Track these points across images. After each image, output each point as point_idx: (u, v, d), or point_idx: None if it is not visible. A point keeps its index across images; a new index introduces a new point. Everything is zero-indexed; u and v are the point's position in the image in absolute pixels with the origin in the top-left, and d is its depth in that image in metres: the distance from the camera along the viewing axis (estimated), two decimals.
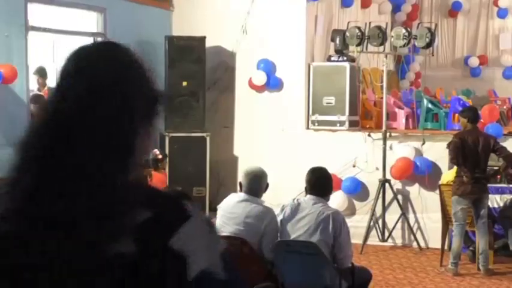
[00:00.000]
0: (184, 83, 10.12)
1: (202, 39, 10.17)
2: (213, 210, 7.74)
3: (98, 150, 1.39)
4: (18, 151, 1.55)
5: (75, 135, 1.39)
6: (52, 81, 10.32)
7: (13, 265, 1.36)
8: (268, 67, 10.23)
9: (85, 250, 1.33)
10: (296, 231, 5.33)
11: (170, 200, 1.44)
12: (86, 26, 9.87)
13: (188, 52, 10.13)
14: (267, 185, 5.69)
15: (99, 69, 1.48)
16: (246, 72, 10.43)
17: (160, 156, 8.53)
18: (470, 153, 7.54)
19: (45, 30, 9.10)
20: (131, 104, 1.49)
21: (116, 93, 1.46)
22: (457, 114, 9.99)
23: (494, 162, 8.11)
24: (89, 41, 9.96)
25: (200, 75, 10.21)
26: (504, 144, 7.99)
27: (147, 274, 1.35)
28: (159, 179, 8.41)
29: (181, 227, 1.38)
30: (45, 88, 9.99)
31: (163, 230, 1.37)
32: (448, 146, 7.94)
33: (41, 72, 9.88)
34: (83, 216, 1.34)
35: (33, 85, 9.72)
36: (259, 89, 10.34)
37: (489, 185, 7.85)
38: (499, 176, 8.36)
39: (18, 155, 1.54)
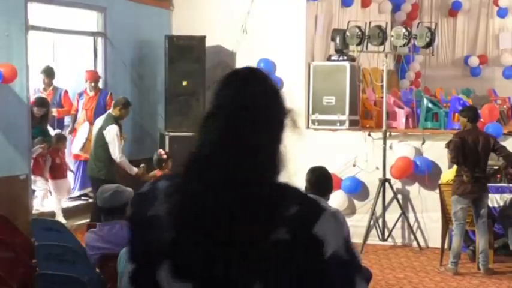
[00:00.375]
0: (184, 83, 10.12)
1: (202, 38, 10.17)
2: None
3: (262, 161, 1.80)
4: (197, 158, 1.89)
5: (240, 148, 1.79)
6: (57, 81, 10.33)
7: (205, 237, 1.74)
8: (268, 66, 10.23)
9: (256, 235, 1.71)
10: None
11: (308, 198, 1.84)
12: (86, 25, 9.87)
13: (188, 51, 10.14)
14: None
15: (255, 93, 1.85)
16: None
17: (165, 156, 8.51)
18: (470, 152, 7.54)
19: (45, 29, 9.10)
20: (278, 124, 1.88)
21: (274, 116, 1.87)
22: (457, 114, 10.00)
23: (494, 161, 8.12)
24: (89, 40, 9.98)
25: (200, 74, 10.21)
26: (504, 143, 7.99)
27: (297, 256, 1.73)
28: None
29: (319, 219, 1.76)
30: (50, 88, 9.92)
31: (307, 221, 1.76)
32: (447, 145, 7.94)
33: (48, 72, 9.82)
34: (257, 202, 1.74)
35: (38, 84, 9.69)
36: None
37: (489, 184, 7.86)
38: (499, 176, 8.37)
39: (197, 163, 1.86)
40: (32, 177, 8.83)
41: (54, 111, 9.88)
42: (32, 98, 9.27)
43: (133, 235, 1.89)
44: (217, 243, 1.72)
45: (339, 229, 1.83)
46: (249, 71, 1.95)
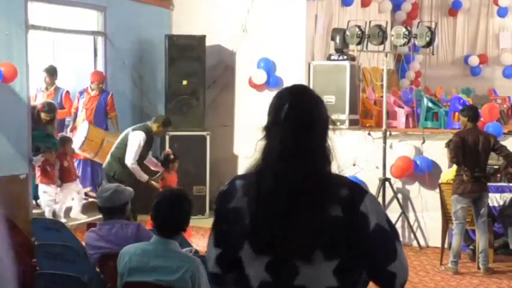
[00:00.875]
0: (184, 82, 10.12)
1: (202, 38, 10.18)
2: (213, 209, 7.77)
3: (316, 157, 2.29)
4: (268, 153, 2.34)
5: (301, 148, 2.27)
6: (57, 81, 10.32)
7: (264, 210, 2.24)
8: (268, 66, 10.24)
9: (316, 214, 2.21)
10: None
11: (355, 183, 2.36)
12: (86, 24, 9.87)
13: (188, 51, 10.14)
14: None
15: (307, 103, 2.38)
16: (246, 71, 10.43)
17: (172, 157, 8.46)
18: (470, 152, 7.54)
19: (45, 28, 9.10)
20: (325, 126, 2.39)
21: (321, 121, 2.38)
22: (457, 113, 10.00)
23: (494, 161, 8.12)
24: (89, 39, 9.98)
25: (200, 74, 10.21)
26: (504, 143, 7.99)
27: (349, 229, 2.23)
28: (170, 180, 8.38)
29: (364, 199, 2.26)
30: (52, 88, 9.88)
31: (355, 201, 2.25)
32: (447, 145, 7.94)
33: (51, 71, 9.79)
34: (317, 189, 2.23)
35: (39, 84, 9.68)
36: (259, 87, 10.34)
37: (489, 183, 7.86)
38: (498, 175, 8.37)
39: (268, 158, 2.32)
40: (41, 186, 8.75)
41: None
42: (38, 101, 9.27)
43: (217, 225, 2.37)
44: (287, 224, 2.20)
45: (379, 207, 2.36)
46: (300, 87, 2.50)
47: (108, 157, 8.39)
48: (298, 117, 2.30)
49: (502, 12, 15.42)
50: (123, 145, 8.18)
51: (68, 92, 9.93)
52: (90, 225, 5.80)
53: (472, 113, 7.81)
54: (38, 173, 8.75)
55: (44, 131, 9.04)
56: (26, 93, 8.52)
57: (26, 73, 8.45)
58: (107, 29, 9.89)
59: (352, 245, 2.23)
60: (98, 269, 4.90)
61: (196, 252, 5.10)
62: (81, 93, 9.71)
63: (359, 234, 2.24)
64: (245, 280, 2.30)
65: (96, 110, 9.53)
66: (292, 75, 10.19)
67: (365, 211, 2.25)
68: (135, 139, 8.12)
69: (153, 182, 8.33)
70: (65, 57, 10.44)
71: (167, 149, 8.87)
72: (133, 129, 8.24)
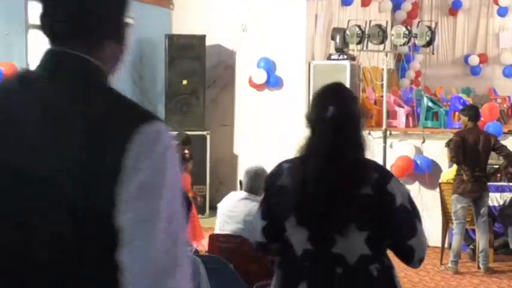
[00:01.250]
0: (184, 82, 10.12)
1: (202, 37, 10.18)
2: (213, 208, 7.75)
3: (354, 146, 2.78)
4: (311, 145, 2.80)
5: (341, 139, 2.74)
6: None
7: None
8: (268, 65, 10.23)
9: (351, 192, 2.67)
10: None
11: (383, 167, 3.00)
12: None
13: (188, 50, 10.14)
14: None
15: (346, 102, 2.84)
16: (246, 70, 10.43)
17: (188, 156, 8.29)
18: (470, 151, 7.54)
19: None
20: (360, 119, 2.85)
21: (357, 115, 2.84)
22: (457, 113, 9.99)
23: (495, 160, 8.12)
24: None
25: (200, 73, 10.21)
26: (504, 142, 7.99)
27: (378, 206, 2.67)
28: (185, 181, 8.23)
29: (391, 181, 2.72)
30: None
31: (383, 182, 2.70)
32: (447, 144, 7.94)
33: None
34: (353, 173, 2.70)
35: None
36: (259, 87, 10.34)
37: (489, 183, 7.86)
38: (498, 175, 8.37)
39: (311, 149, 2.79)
40: None
41: None
42: None
43: (266, 200, 2.73)
44: (327, 201, 2.65)
45: (403, 188, 2.83)
46: (340, 87, 3.02)
47: None
48: (341, 116, 2.73)
49: (502, 12, 15.42)
50: None
51: None
52: None
53: (472, 112, 7.81)
54: None
55: None
56: None
57: None
58: None
59: (380, 219, 2.67)
60: None
61: (197, 251, 5.10)
62: None
63: (386, 210, 2.68)
64: (289, 249, 2.68)
65: None
66: (292, 75, 10.20)
67: (391, 191, 2.69)
68: None
69: None
70: None
71: (185, 149, 8.70)
72: None
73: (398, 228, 2.71)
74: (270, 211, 2.80)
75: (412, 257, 2.75)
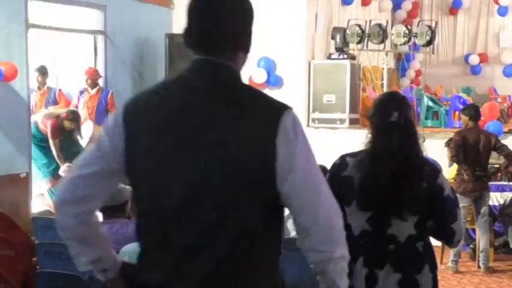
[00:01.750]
0: None
1: None
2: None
3: (412, 148, 3.36)
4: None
5: (404, 140, 3.34)
6: (51, 81, 10.32)
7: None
8: (268, 65, 10.23)
9: (411, 183, 3.23)
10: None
11: (433, 163, 3.47)
12: (86, 23, 9.86)
13: (188, 50, 10.09)
14: None
15: (406, 108, 3.41)
16: (246, 70, 10.29)
17: None
18: (471, 151, 7.54)
19: (45, 27, 9.09)
20: (414, 124, 3.52)
21: (412, 120, 3.51)
22: (457, 112, 10.00)
23: (495, 160, 8.11)
24: (89, 38, 9.98)
25: None
26: (504, 142, 7.99)
27: (430, 195, 3.24)
28: None
29: (439, 174, 3.30)
30: (45, 87, 9.98)
31: (434, 176, 3.28)
32: (447, 144, 7.94)
33: (42, 70, 9.88)
34: (410, 169, 3.27)
35: (34, 83, 9.70)
36: (259, 86, 10.33)
37: (490, 183, 7.85)
38: (499, 174, 8.37)
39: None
40: None
41: (51, 109, 9.90)
42: (32, 101, 9.22)
43: (331, 187, 2.41)
44: (387, 190, 3.15)
45: (447, 181, 3.40)
46: (397, 93, 3.79)
47: None
48: (403, 120, 3.30)
49: (503, 11, 15.42)
50: None
51: (60, 89, 10.02)
52: None
53: (473, 112, 7.80)
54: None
55: (71, 141, 8.95)
56: (26, 92, 8.52)
57: (26, 72, 8.45)
58: (107, 28, 9.88)
59: (430, 207, 3.25)
60: None
61: None
62: (81, 92, 9.71)
63: (436, 199, 3.25)
64: (348, 229, 2.81)
65: (97, 108, 9.54)
66: (292, 74, 10.20)
67: (440, 183, 3.27)
68: None
69: None
70: (65, 57, 10.43)
71: None
72: None
73: (445, 214, 3.30)
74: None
75: (453, 238, 3.35)
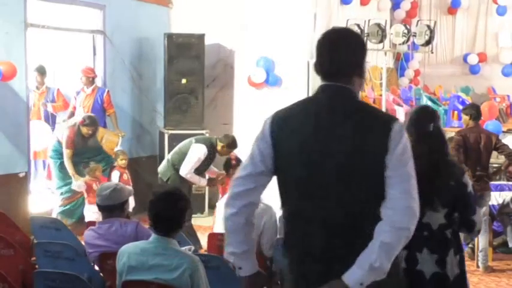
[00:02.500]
0: (183, 80, 10.12)
1: (201, 36, 10.17)
2: (212, 207, 7.75)
3: (446, 151, 4.09)
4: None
5: (440, 147, 4.08)
6: (50, 80, 10.31)
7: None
8: (267, 64, 10.23)
9: (444, 181, 3.93)
10: None
11: (458, 164, 4.41)
12: (85, 23, 9.86)
13: (187, 49, 10.13)
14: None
15: (437, 120, 4.20)
16: (245, 69, 10.42)
17: (234, 162, 7.94)
18: (472, 150, 7.52)
19: (44, 27, 9.09)
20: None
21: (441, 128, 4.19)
22: (456, 112, 10.01)
23: (494, 159, 8.11)
24: (88, 38, 9.98)
25: (199, 72, 10.20)
26: (503, 141, 7.99)
27: (457, 192, 3.94)
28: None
29: (464, 174, 3.99)
30: (44, 87, 9.98)
31: (459, 175, 3.97)
32: None
33: (41, 70, 9.89)
34: (444, 171, 3.98)
35: (32, 82, 9.70)
36: (258, 86, 10.34)
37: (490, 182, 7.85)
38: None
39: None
40: (90, 207, 8.15)
41: (49, 106, 9.90)
42: (31, 100, 9.19)
43: None
44: (424, 185, 3.08)
45: (469, 179, 4.04)
46: (429, 107, 4.44)
47: (164, 161, 8.22)
48: (437, 130, 4.07)
49: (501, 11, 15.45)
50: (182, 154, 7.93)
51: (58, 89, 10.02)
52: (89, 223, 5.80)
53: (474, 111, 7.76)
54: (85, 193, 8.41)
55: (92, 147, 8.81)
56: (25, 91, 8.52)
57: (25, 72, 8.45)
58: (106, 27, 9.88)
59: (456, 201, 3.94)
60: (97, 268, 4.91)
61: (196, 250, 5.10)
62: (77, 92, 9.70)
63: (461, 195, 3.95)
64: None
65: (93, 107, 9.52)
66: (291, 74, 10.19)
67: (465, 182, 3.97)
68: (196, 152, 7.86)
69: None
70: (64, 56, 10.42)
71: (232, 153, 8.22)
72: (196, 141, 7.99)
73: (467, 207, 3.97)
74: None
75: (474, 228, 4.03)
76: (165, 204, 3.92)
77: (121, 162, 8.81)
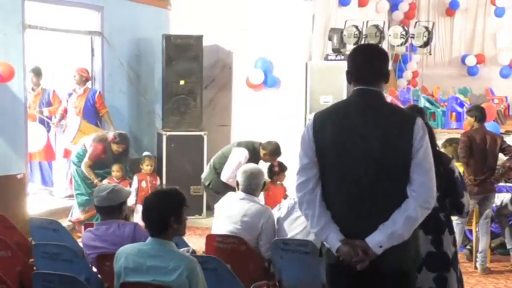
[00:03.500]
0: (182, 82, 10.12)
1: (200, 37, 10.17)
2: (211, 209, 7.73)
3: (431, 140, 3.88)
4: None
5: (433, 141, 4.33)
6: (48, 81, 10.31)
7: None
8: (265, 66, 10.23)
9: (437, 169, 3.61)
10: (293, 229, 5.35)
11: (446, 155, 4.93)
12: (83, 24, 9.86)
13: (185, 50, 10.12)
14: (264, 184, 5.69)
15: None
16: (243, 70, 10.43)
17: (276, 169, 7.87)
18: (478, 152, 7.50)
19: (42, 28, 9.08)
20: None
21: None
22: (454, 113, 10.01)
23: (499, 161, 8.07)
24: (86, 39, 9.98)
25: (197, 73, 10.20)
26: None
27: (445, 177, 4.37)
28: (275, 192, 7.87)
29: (452, 161, 4.61)
30: (39, 88, 9.95)
31: (448, 162, 4.56)
32: (444, 146, 7.92)
33: (36, 71, 9.86)
34: (437, 160, 3.85)
35: (28, 83, 9.69)
36: (256, 87, 10.34)
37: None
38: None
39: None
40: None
41: (45, 110, 9.88)
42: (28, 101, 9.14)
43: None
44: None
45: (456, 167, 4.55)
46: (413, 105, 5.28)
47: (207, 165, 8.17)
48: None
49: (499, 12, 15.46)
50: (224, 157, 7.85)
51: (54, 90, 10.00)
52: (87, 225, 5.80)
53: (479, 113, 7.74)
54: None
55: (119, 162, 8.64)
56: (23, 93, 8.52)
57: (23, 73, 8.45)
58: (104, 28, 9.88)
59: (446, 185, 4.32)
60: (95, 269, 4.90)
61: (194, 252, 5.10)
62: (69, 94, 9.69)
63: (449, 179, 4.42)
64: None
65: (85, 107, 9.51)
66: (289, 75, 10.19)
67: (452, 168, 4.49)
68: (237, 156, 7.72)
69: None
70: (62, 57, 10.42)
71: (277, 160, 8.02)
72: (238, 144, 7.89)
73: (456, 190, 4.46)
74: None
75: (463, 209, 4.52)
76: (151, 204, 3.90)
77: (146, 168, 8.67)
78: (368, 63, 3.56)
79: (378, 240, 3.36)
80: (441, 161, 4.29)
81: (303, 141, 3.58)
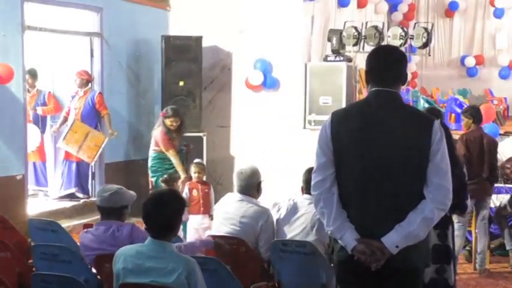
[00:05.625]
0: (181, 83, 10.12)
1: (199, 38, 10.17)
2: None
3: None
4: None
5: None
6: (45, 83, 10.29)
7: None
8: (264, 67, 10.23)
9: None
10: (292, 230, 5.34)
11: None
12: (82, 25, 9.86)
13: (185, 52, 10.12)
14: (260, 183, 5.66)
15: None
16: (242, 71, 10.43)
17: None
18: (476, 153, 7.49)
19: (41, 29, 9.09)
20: None
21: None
22: (454, 114, 10.01)
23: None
24: (85, 40, 9.97)
25: (197, 74, 10.20)
26: (501, 144, 7.97)
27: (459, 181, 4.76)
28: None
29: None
30: (34, 90, 9.94)
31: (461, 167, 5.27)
32: None
33: (32, 73, 9.83)
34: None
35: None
36: (255, 88, 10.34)
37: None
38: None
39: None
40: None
41: (39, 109, 9.87)
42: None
43: None
44: None
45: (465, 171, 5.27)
46: (433, 107, 6.49)
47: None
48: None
49: (499, 13, 15.46)
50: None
51: (49, 92, 9.99)
52: (86, 226, 5.79)
53: (475, 113, 7.71)
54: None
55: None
56: (22, 94, 8.52)
57: (22, 74, 8.46)
58: (103, 29, 9.88)
59: (457, 186, 3.80)
60: (94, 270, 4.90)
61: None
62: (72, 97, 9.70)
63: (461, 182, 4.72)
64: None
65: (84, 108, 9.51)
66: (288, 76, 10.20)
67: (465, 172, 5.07)
68: None
69: None
70: (61, 59, 10.41)
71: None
72: None
73: (464, 193, 5.01)
74: None
75: (466, 210, 5.23)
76: (155, 206, 3.89)
77: (194, 175, 7.74)
78: (387, 65, 3.59)
79: (394, 240, 3.40)
80: (457, 164, 4.50)
81: (321, 140, 3.61)
